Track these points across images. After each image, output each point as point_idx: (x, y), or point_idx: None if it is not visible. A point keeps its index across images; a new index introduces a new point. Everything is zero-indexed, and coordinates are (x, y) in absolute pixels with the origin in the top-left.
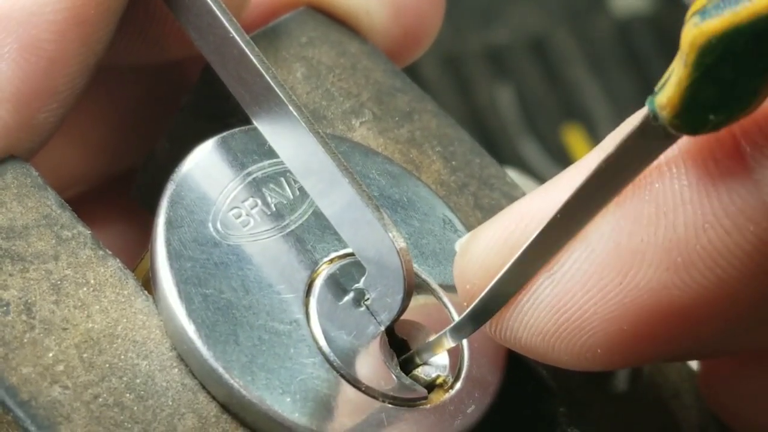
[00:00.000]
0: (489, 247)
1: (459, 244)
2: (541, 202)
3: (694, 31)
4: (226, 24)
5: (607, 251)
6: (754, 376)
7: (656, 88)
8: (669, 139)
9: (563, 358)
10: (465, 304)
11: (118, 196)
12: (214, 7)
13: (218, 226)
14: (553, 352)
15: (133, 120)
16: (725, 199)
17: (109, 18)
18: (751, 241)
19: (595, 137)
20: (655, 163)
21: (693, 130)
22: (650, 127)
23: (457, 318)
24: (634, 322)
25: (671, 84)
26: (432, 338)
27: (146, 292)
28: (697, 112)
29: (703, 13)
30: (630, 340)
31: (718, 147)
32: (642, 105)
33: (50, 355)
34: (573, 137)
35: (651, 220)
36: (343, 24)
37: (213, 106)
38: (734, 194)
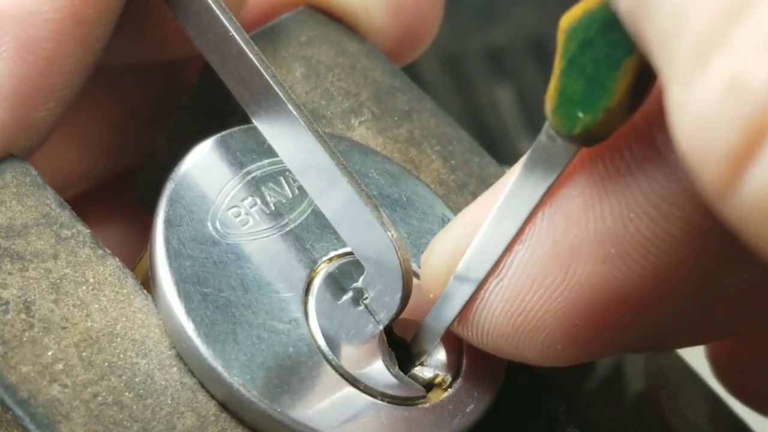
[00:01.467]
0: (442, 255)
1: (424, 254)
2: (485, 207)
3: (564, 17)
4: (226, 23)
5: (546, 250)
6: (762, 350)
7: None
8: (566, 151)
9: (530, 356)
10: (425, 311)
11: (118, 195)
12: (214, 6)
13: (217, 224)
14: (519, 351)
15: (133, 119)
16: (645, 187)
17: (108, 17)
18: (677, 225)
19: None
20: (578, 156)
21: (567, 130)
22: (549, 136)
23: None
24: (584, 316)
25: (552, 78)
26: (417, 336)
27: (145, 291)
28: (567, 108)
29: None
30: (585, 333)
31: (634, 137)
32: None
33: (49, 353)
34: None
35: (580, 215)
36: (342, 23)
37: (212, 105)
38: (653, 182)
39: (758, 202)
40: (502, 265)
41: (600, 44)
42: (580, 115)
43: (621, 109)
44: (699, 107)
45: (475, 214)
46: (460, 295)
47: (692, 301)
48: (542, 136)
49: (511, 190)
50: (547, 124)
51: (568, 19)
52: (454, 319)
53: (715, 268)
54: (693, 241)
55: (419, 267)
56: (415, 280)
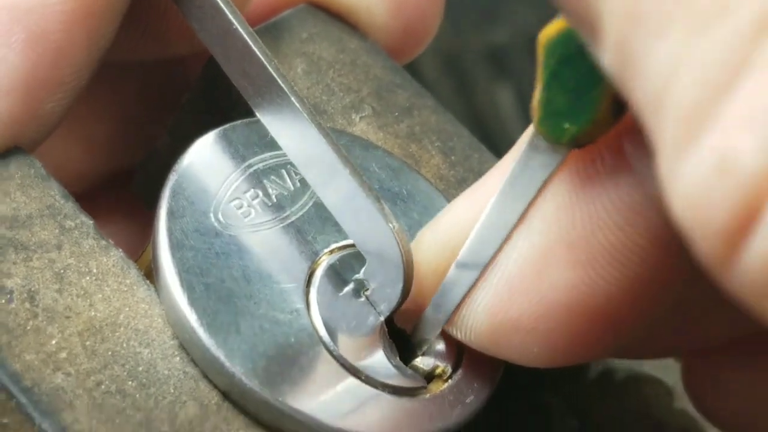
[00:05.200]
0: (430, 250)
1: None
2: (472, 203)
3: (542, 32)
4: (230, 16)
5: (525, 253)
6: (735, 374)
7: None
8: (556, 153)
9: (509, 355)
10: (416, 302)
11: (120, 193)
12: (218, 0)
13: (219, 216)
14: (499, 351)
15: (136, 117)
16: (612, 195)
17: (116, 10)
18: (644, 235)
19: None
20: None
21: (555, 139)
22: (538, 139)
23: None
24: (558, 321)
25: (536, 90)
26: (416, 328)
27: (148, 281)
28: (553, 119)
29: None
30: (561, 337)
31: (605, 147)
32: None
33: (53, 342)
34: None
35: (553, 219)
36: (343, 21)
37: (214, 101)
38: (621, 190)
39: (756, 277)
40: (490, 265)
41: (580, 61)
42: (567, 126)
43: (606, 118)
44: (690, 182)
45: (465, 205)
46: (458, 289)
47: (664, 311)
48: (530, 141)
49: (510, 183)
50: (533, 130)
51: (546, 34)
52: (455, 310)
53: (681, 279)
54: (659, 251)
55: None
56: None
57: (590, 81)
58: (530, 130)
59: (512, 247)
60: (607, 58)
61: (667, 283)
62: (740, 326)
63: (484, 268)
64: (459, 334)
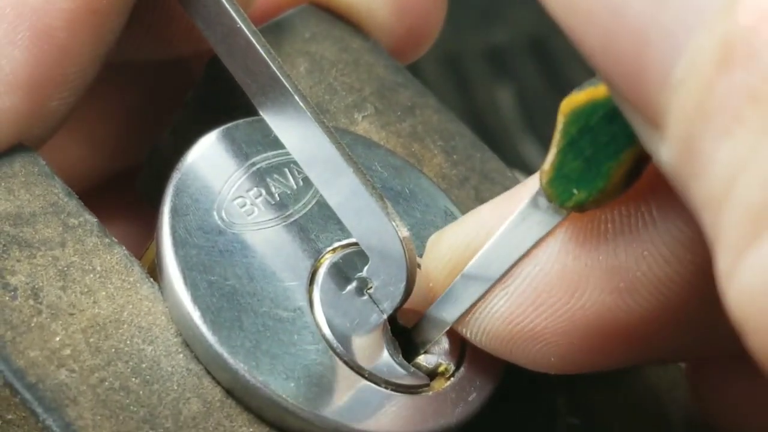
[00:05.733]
0: (450, 250)
1: (429, 241)
2: (502, 210)
3: (566, 100)
4: (234, 14)
5: (555, 271)
6: (739, 380)
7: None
8: (556, 214)
9: (521, 361)
10: (430, 299)
11: (124, 191)
12: None
13: (223, 214)
14: (511, 355)
15: (139, 117)
16: (662, 228)
17: (121, 8)
18: (689, 269)
19: None
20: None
21: (560, 201)
22: (540, 198)
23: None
24: (583, 338)
25: (550, 152)
26: (421, 324)
27: (152, 279)
28: (563, 183)
29: (580, 86)
30: (581, 351)
31: (656, 178)
32: None
33: (57, 339)
34: None
35: (593, 245)
36: (345, 21)
37: (217, 101)
38: (671, 225)
39: None
40: (511, 273)
41: (601, 133)
42: (575, 191)
43: (616, 189)
44: (750, 281)
45: (491, 215)
46: (468, 294)
47: (688, 335)
48: (533, 198)
49: (505, 234)
50: (539, 189)
51: (570, 104)
52: (460, 317)
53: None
54: (702, 282)
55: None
56: (418, 270)
57: (607, 153)
58: (534, 183)
59: (539, 261)
60: (667, 152)
61: (704, 309)
62: None
63: (504, 274)
64: (469, 334)
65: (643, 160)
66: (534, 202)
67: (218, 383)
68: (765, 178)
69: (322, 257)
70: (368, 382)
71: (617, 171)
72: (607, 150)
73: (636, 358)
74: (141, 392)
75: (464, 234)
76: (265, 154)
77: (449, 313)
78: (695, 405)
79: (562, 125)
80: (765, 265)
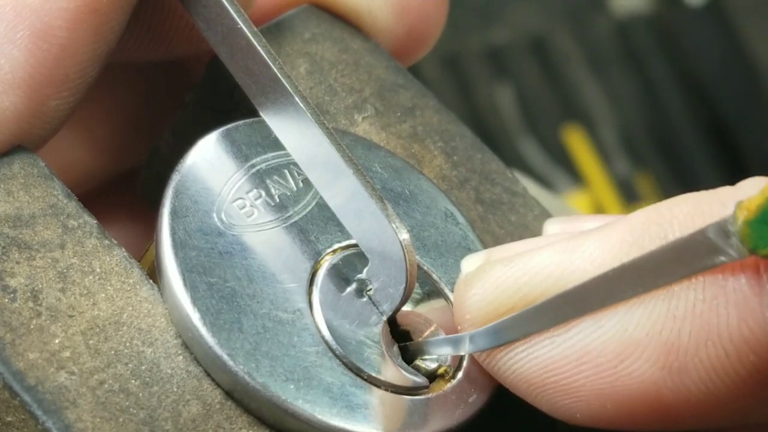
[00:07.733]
0: (499, 288)
1: (466, 264)
2: (564, 263)
3: None
4: (234, 15)
5: (613, 334)
6: None
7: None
8: (728, 254)
9: (544, 407)
10: (459, 328)
11: (124, 193)
12: None
13: (222, 216)
14: (536, 399)
15: (139, 118)
16: (734, 324)
17: (121, 8)
18: (747, 368)
19: (595, 137)
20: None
21: (752, 245)
22: (701, 243)
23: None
24: (619, 405)
25: (761, 190)
26: (440, 338)
27: (151, 281)
28: (764, 228)
29: None
30: (610, 416)
31: (741, 271)
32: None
33: (56, 341)
34: (573, 137)
35: (659, 319)
36: (345, 22)
37: (217, 101)
38: (743, 323)
39: None
40: (563, 324)
41: None
42: None
43: None
44: None
45: (550, 263)
46: (501, 338)
47: (724, 423)
48: (709, 230)
49: (640, 263)
50: (721, 221)
51: None
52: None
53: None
54: (755, 384)
55: (420, 258)
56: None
57: None
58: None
59: (598, 321)
60: None
61: (749, 406)
62: None
63: (557, 324)
64: (493, 368)
65: None
66: (699, 239)
67: (218, 385)
68: None
69: (322, 259)
70: (368, 384)
71: None
72: None
73: (662, 429)
74: (141, 394)
75: (515, 278)
76: (264, 156)
77: (477, 345)
78: None
79: None
80: None
